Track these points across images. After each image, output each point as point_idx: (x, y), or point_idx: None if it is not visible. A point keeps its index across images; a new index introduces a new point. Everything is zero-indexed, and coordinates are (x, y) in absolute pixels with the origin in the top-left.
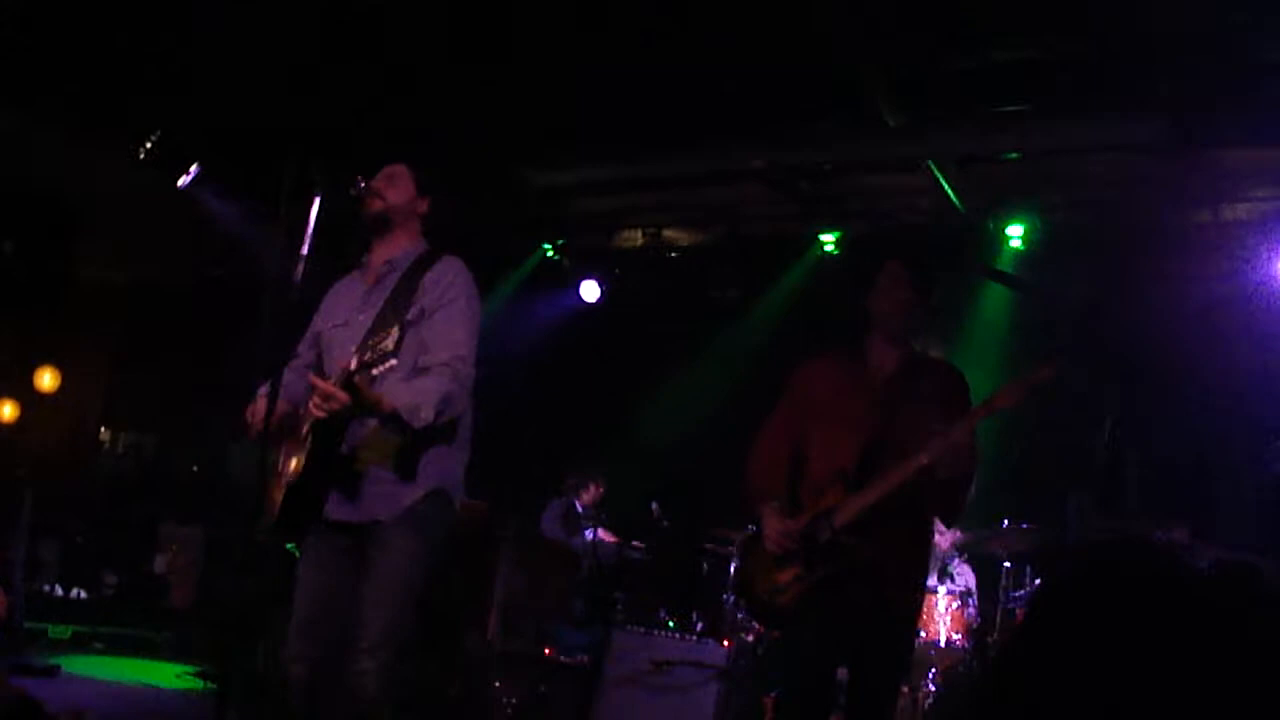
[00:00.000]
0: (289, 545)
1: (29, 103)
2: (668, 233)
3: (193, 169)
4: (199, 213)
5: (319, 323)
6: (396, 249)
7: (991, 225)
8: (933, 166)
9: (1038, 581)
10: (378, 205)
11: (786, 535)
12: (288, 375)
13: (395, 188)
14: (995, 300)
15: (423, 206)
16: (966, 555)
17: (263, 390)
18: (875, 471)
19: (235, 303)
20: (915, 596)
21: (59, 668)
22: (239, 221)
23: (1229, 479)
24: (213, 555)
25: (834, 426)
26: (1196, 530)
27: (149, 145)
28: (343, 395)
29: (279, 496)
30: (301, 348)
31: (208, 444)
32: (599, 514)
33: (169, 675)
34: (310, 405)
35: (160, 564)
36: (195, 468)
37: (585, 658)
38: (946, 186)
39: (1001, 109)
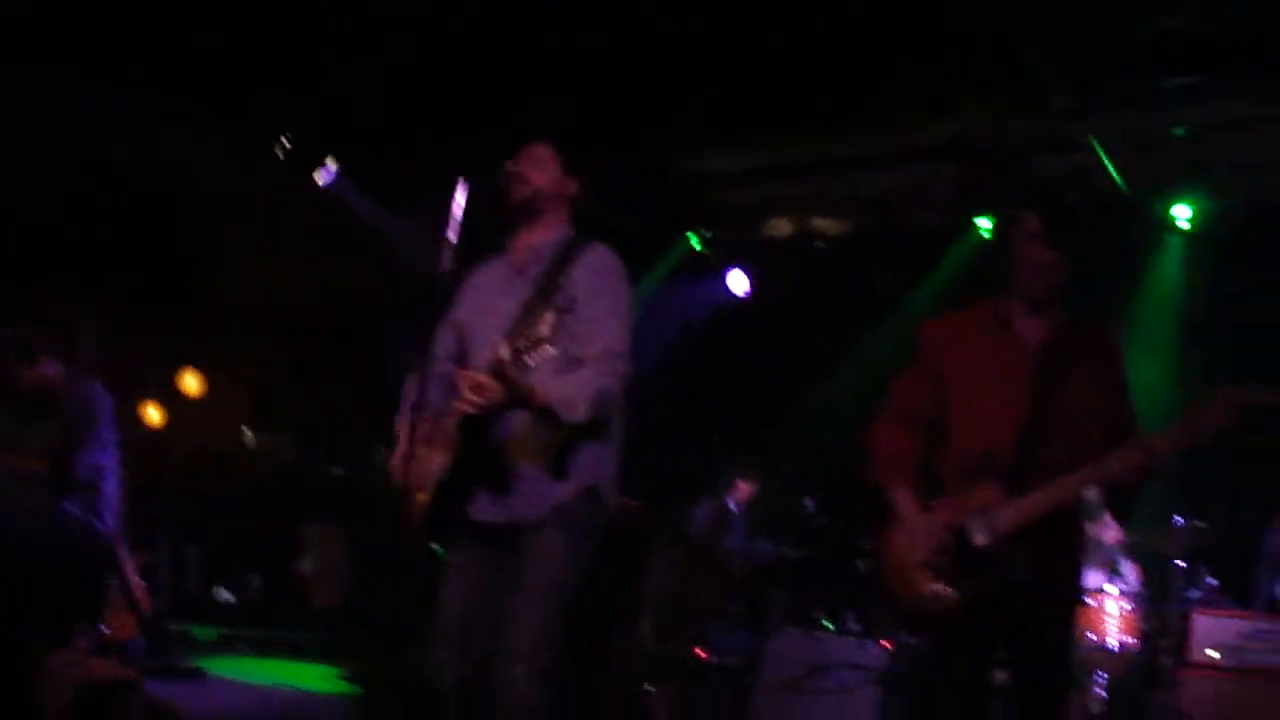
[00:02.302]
0: (434, 547)
1: (172, 110)
2: (817, 221)
3: (331, 166)
4: (342, 212)
5: (459, 313)
6: (541, 235)
7: (1158, 206)
8: (1094, 144)
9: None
10: (525, 191)
11: (932, 535)
12: (430, 385)
13: (540, 169)
14: (1168, 273)
15: (570, 188)
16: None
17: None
18: (1034, 463)
19: (382, 301)
20: (1074, 601)
21: (204, 670)
22: (382, 216)
23: None
24: (357, 557)
25: (981, 400)
26: None
27: (285, 144)
28: (495, 386)
29: (423, 497)
30: (441, 339)
31: (353, 445)
32: (752, 512)
33: (313, 678)
34: (461, 398)
35: (305, 565)
36: (339, 469)
37: (740, 659)
38: (1108, 165)
39: (1170, 83)
